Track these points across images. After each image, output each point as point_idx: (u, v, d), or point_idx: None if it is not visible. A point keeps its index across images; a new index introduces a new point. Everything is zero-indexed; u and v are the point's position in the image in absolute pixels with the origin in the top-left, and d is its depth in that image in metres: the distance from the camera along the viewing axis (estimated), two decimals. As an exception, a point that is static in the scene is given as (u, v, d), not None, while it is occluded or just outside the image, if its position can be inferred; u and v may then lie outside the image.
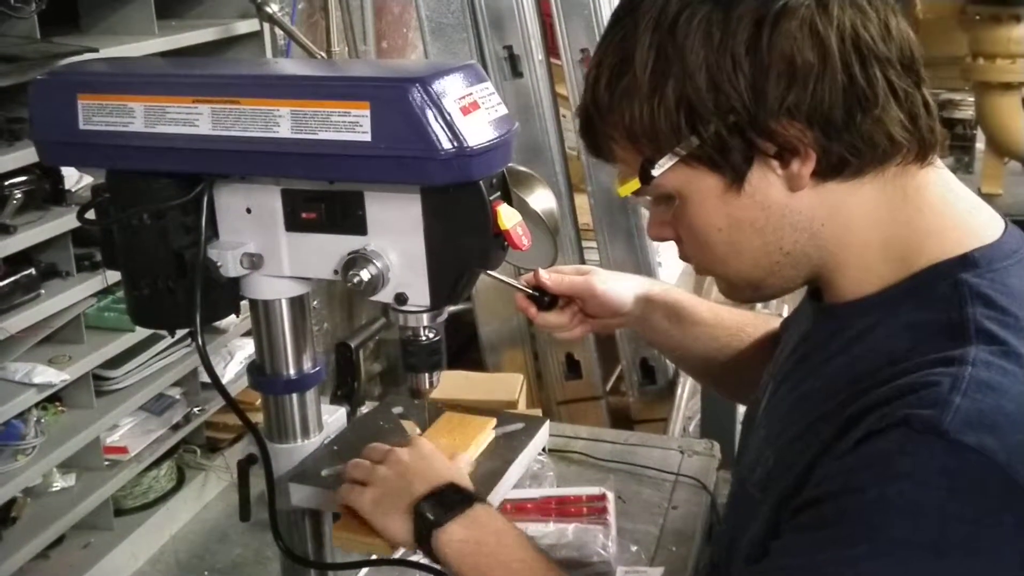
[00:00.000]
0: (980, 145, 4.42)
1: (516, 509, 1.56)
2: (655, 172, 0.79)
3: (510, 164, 0.91)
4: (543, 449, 1.60)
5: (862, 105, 0.75)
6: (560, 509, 1.58)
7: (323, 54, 2.01)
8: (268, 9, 1.77)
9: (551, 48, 2.64)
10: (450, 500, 0.91)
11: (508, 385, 2.17)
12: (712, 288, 2.87)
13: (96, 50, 1.32)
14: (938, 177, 0.82)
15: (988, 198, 3.93)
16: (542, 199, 1.39)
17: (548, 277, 1.16)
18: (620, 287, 1.19)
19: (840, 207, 0.79)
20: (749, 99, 0.74)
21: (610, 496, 1.60)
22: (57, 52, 1.25)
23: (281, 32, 1.90)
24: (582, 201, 2.69)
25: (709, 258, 0.85)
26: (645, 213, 2.73)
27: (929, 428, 0.68)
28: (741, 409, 2.41)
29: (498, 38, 2.45)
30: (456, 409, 1.13)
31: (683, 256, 0.90)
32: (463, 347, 2.91)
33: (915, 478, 0.68)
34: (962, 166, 5.15)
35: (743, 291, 0.87)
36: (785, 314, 1.12)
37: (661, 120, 0.77)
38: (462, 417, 1.09)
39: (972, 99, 4.19)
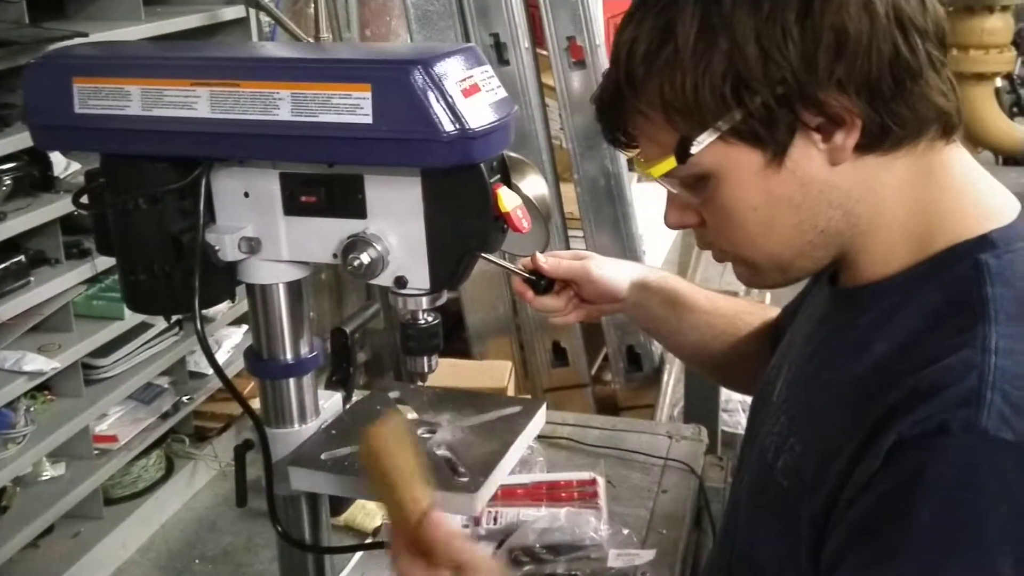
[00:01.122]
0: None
1: (507, 494, 1.57)
2: (694, 150, 0.77)
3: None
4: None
5: (909, 73, 0.75)
6: (551, 494, 1.58)
7: (310, 40, 2.00)
8: (255, -5, 1.76)
9: (537, 37, 2.64)
10: None
11: (497, 372, 2.18)
12: (697, 275, 2.87)
13: (86, 35, 1.31)
14: (960, 155, 0.82)
15: None
16: (534, 185, 1.39)
17: (545, 261, 1.15)
18: (616, 272, 1.19)
19: (874, 183, 0.79)
20: (800, 69, 0.73)
21: (600, 481, 1.61)
22: (47, 37, 1.24)
23: (267, 18, 1.89)
24: (568, 190, 2.69)
25: (740, 240, 0.83)
26: (630, 201, 2.75)
27: (968, 430, 0.67)
28: (724, 396, 2.43)
29: (484, 26, 2.45)
30: (449, 391, 1.13)
31: (705, 243, 0.88)
32: (449, 335, 2.91)
33: (967, 485, 0.67)
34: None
35: (770, 275, 0.85)
36: (768, 302, 1.13)
37: (706, 92, 0.75)
38: None
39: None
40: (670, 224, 0.88)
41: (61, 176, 1.36)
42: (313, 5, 2.12)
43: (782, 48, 0.73)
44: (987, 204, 0.81)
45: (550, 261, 1.16)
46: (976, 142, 3.88)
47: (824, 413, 0.82)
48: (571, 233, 2.72)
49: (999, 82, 4.01)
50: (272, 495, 1.02)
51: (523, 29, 2.48)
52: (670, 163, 0.79)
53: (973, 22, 3.67)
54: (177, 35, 1.59)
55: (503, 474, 0.98)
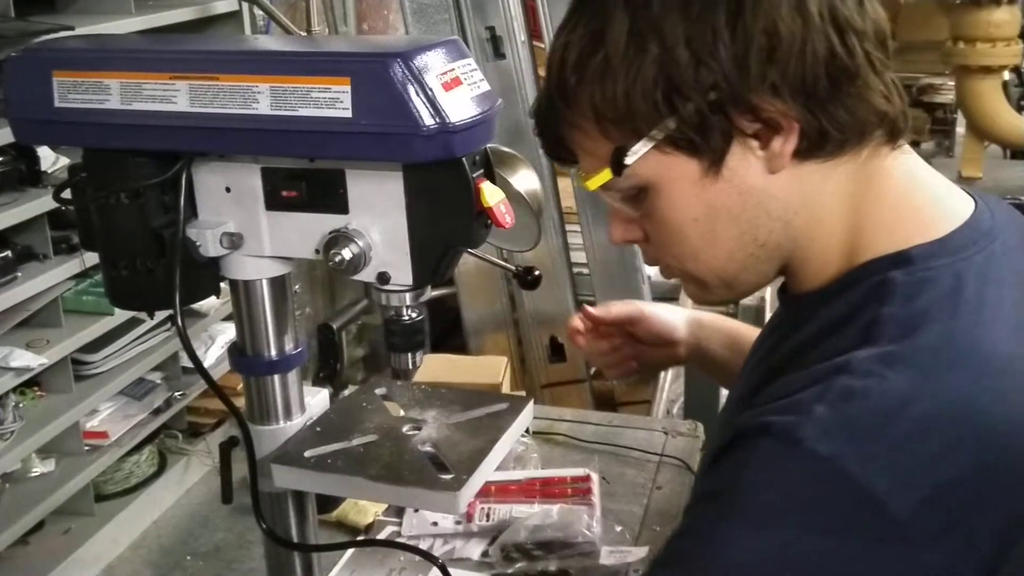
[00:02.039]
0: (960, 129, 4.44)
1: (500, 491, 1.56)
2: (628, 160, 0.76)
3: (493, 144, 0.90)
4: (527, 431, 1.60)
5: (845, 75, 0.73)
6: (545, 490, 1.58)
7: (303, 33, 1.99)
8: (247, -12, 1.75)
9: (534, 30, 2.63)
10: None
11: (492, 368, 2.16)
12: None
13: (72, 28, 1.30)
14: (904, 164, 0.80)
15: (968, 182, 3.96)
16: (526, 180, 1.38)
17: (596, 310, 1.17)
18: (669, 311, 1.19)
19: (813, 194, 0.78)
20: (732, 73, 0.72)
21: (594, 477, 1.60)
22: (33, 30, 1.23)
23: (260, 12, 1.88)
24: (565, 184, 2.68)
25: (682, 254, 0.82)
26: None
27: (785, 436, 0.66)
28: (724, 392, 2.42)
29: (480, 19, 2.44)
30: (441, 390, 1.12)
31: (650, 258, 0.86)
32: (447, 331, 2.91)
33: (771, 488, 0.66)
34: (943, 150, 5.18)
35: (716, 290, 0.84)
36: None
37: (638, 99, 0.74)
38: None
39: (952, 83, 4.20)
40: (615, 240, 0.86)
41: (48, 171, 1.36)
42: (305, 1, 2.11)
43: (713, 52, 0.72)
44: (923, 215, 0.78)
45: (600, 308, 1.17)
46: (983, 136, 3.87)
47: (721, 420, 0.82)
48: (569, 228, 2.71)
49: (1007, 75, 3.99)
50: (257, 492, 1.02)
51: (519, 23, 2.47)
52: (606, 175, 0.78)
53: (980, 15, 3.65)
54: (168, 29, 1.59)
55: (488, 472, 0.98)
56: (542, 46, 2.60)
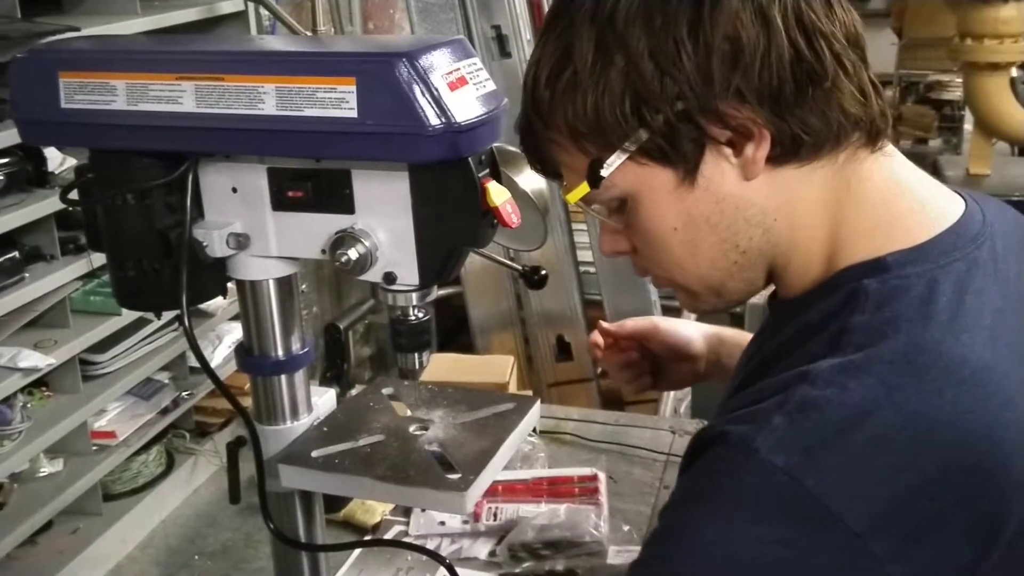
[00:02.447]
0: (968, 126, 4.42)
1: (507, 490, 1.56)
2: (604, 172, 0.76)
3: (499, 143, 0.90)
4: (534, 430, 1.60)
5: (812, 79, 0.73)
6: (552, 490, 1.58)
7: (308, 34, 1.99)
8: (253, -12, 1.75)
9: (539, 26, 2.63)
10: None
11: (499, 367, 2.16)
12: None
13: (78, 29, 1.30)
14: (887, 167, 0.79)
15: (976, 179, 3.91)
16: (532, 179, 1.38)
17: (611, 325, 1.17)
18: (685, 326, 1.19)
19: (792, 199, 0.77)
20: (696, 83, 0.72)
21: (602, 476, 1.60)
22: (39, 31, 1.24)
23: (266, 11, 1.89)
24: (572, 182, 2.68)
25: (667, 263, 0.82)
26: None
27: (741, 446, 0.66)
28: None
29: (486, 18, 2.44)
30: (447, 388, 1.12)
31: (640, 269, 0.87)
32: (453, 330, 2.91)
33: (724, 497, 0.66)
34: (950, 147, 5.16)
35: (706, 299, 0.85)
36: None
37: (607, 113, 0.74)
38: None
39: (960, 80, 4.18)
40: (605, 251, 0.87)
41: (56, 171, 1.36)
42: (311, 1, 2.11)
43: (676, 62, 0.72)
44: (905, 221, 0.77)
45: (615, 324, 1.18)
46: (991, 132, 3.85)
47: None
48: (575, 226, 2.70)
49: (1015, 72, 3.97)
50: (264, 493, 1.02)
51: (525, 21, 2.47)
52: (584, 188, 0.78)
53: (987, 12, 3.63)
54: (174, 29, 1.59)
55: (495, 472, 0.98)
56: (548, 44, 2.60)
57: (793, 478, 0.64)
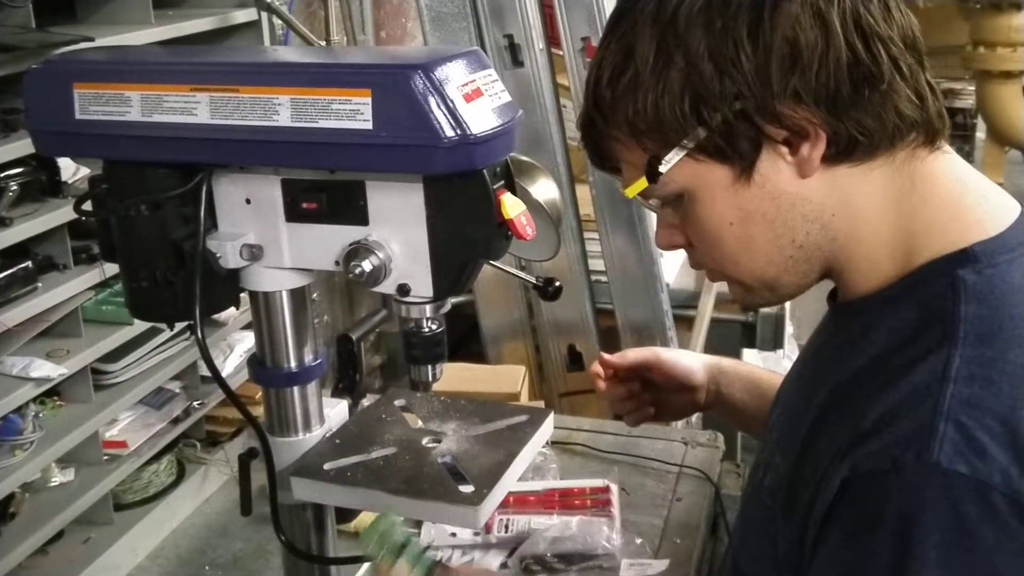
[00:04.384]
0: (980, 134, 4.41)
1: (519, 502, 1.55)
2: (662, 168, 0.78)
3: (513, 154, 0.89)
4: (546, 442, 1.59)
5: (868, 81, 0.74)
6: (564, 502, 1.57)
7: (322, 43, 1.99)
8: (266, -2, 1.75)
9: (552, 38, 2.62)
10: None
11: (510, 377, 2.16)
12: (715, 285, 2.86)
13: (92, 39, 1.30)
14: (947, 164, 0.80)
15: None
16: (545, 189, 1.38)
17: (613, 356, 1.19)
18: (686, 356, 1.21)
19: (850, 196, 0.78)
20: (754, 83, 0.73)
21: (614, 488, 1.59)
22: (53, 41, 1.24)
23: (279, 21, 1.89)
24: (583, 191, 2.67)
25: (722, 258, 0.83)
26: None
27: (920, 463, 0.66)
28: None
29: (499, 27, 2.43)
30: (460, 400, 1.12)
31: (695, 262, 0.88)
32: (464, 339, 2.90)
33: (922, 523, 0.66)
34: (962, 155, 5.12)
35: (759, 292, 0.85)
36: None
37: (666, 112, 0.76)
38: None
39: (972, 88, 4.17)
40: (660, 245, 0.88)
41: (69, 181, 1.36)
42: (324, 7, 2.11)
43: (736, 63, 0.73)
44: (975, 215, 0.78)
45: (618, 355, 1.20)
46: (1003, 140, 3.85)
47: (803, 433, 0.80)
48: (587, 235, 2.69)
49: (1026, 80, 3.96)
50: (276, 504, 1.01)
51: (538, 30, 2.46)
52: (642, 183, 0.80)
53: (1000, 20, 3.64)
54: (188, 39, 1.58)
55: (508, 485, 0.97)
56: (560, 53, 2.59)
57: (981, 481, 0.65)
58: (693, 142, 0.76)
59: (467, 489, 0.93)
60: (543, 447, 1.62)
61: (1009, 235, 0.77)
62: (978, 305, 0.72)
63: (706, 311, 2.82)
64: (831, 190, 0.78)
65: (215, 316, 1.39)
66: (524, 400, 2.14)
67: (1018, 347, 0.70)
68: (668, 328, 2.65)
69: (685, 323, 2.81)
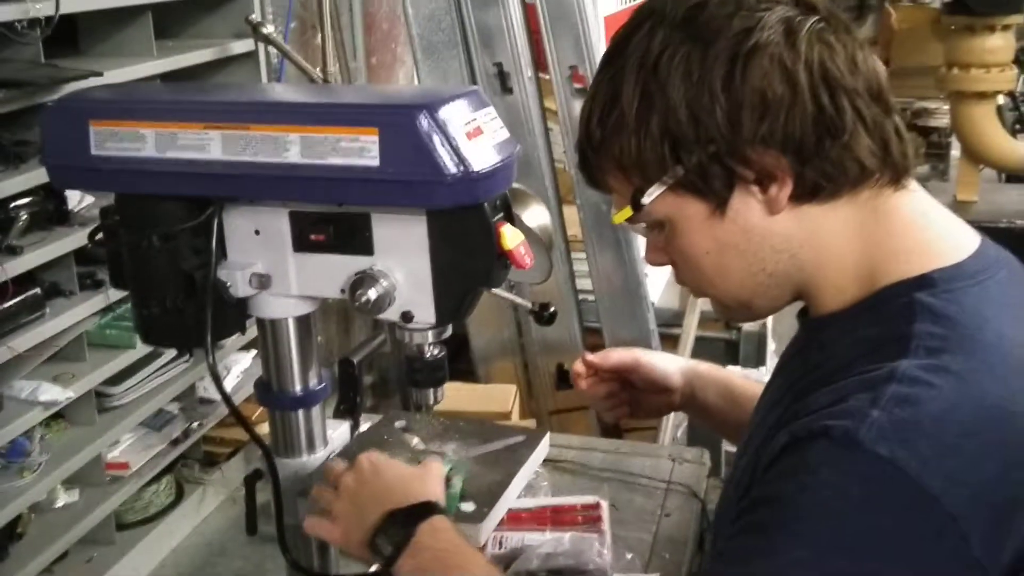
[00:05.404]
0: (956, 153, 4.47)
1: (512, 519, 1.58)
2: (645, 200, 0.84)
3: (508, 183, 0.93)
4: (540, 460, 1.62)
5: (831, 132, 0.80)
6: (555, 518, 1.59)
7: (317, 72, 2.03)
8: (263, 30, 1.80)
9: (540, 62, 2.68)
10: (396, 532, 0.94)
11: (502, 396, 2.20)
12: (700, 300, 2.91)
13: (100, 73, 1.34)
14: (911, 200, 0.86)
15: (963, 206, 3.90)
16: (536, 215, 1.42)
17: (595, 356, 1.23)
18: (664, 360, 1.26)
19: (817, 230, 0.84)
20: (726, 130, 0.79)
21: (604, 504, 1.62)
22: (63, 77, 1.27)
23: (275, 51, 1.93)
24: (571, 213, 2.72)
25: (701, 280, 0.90)
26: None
27: (845, 438, 0.72)
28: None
29: (488, 55, 2.48)
30: (459, 421, 1.15)
31: (679, 279, 0.94)
32: (454, 357, 2.94)
33: (833, 487, 0.71)
34: (937, 174, 5.21)
35: (736, 311, 0.92)
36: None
37: (648, 151, 0.82)
38: None
39: (947, 107, 4.24)
40: (649, 262, 0.94)
41: (76, 210, 1.40)
42: (320, 37, 2.15)
43: (710, 111, 0.79)
44: (936, 246, 0.84)
45: (599, 354, 1.24)
46: (978, 160, 3.89)
47: (763, 433, 0.86)
48: (574, 255, 2.74)
49: (1001, 100, 4.02)
50: (282, 524, 1.04)
51: (526, 58, 2.51)
52: (627, 212, 0.86)
53: (974, 42, 3.69)
54: (188, 70, 1.63)
55: (507, 504, 1.01)
56: (547, 77, 2.65)
57: (896, 467, 0.70)
58: (672, 179, 0.83)
59: (468, 507, 0.96)
60: (536, 465, 1.66)
61: (967, 265, 0.83)
62: (932, 324, 0.78)
63: (691, 329, 2.87)
64: (799, 225, 0.84)
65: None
66: (515, 418, 2.18)
67: (964, 358, 0.76)
68: (654, 347, 2.69)
69: (671, 341, 2.85)
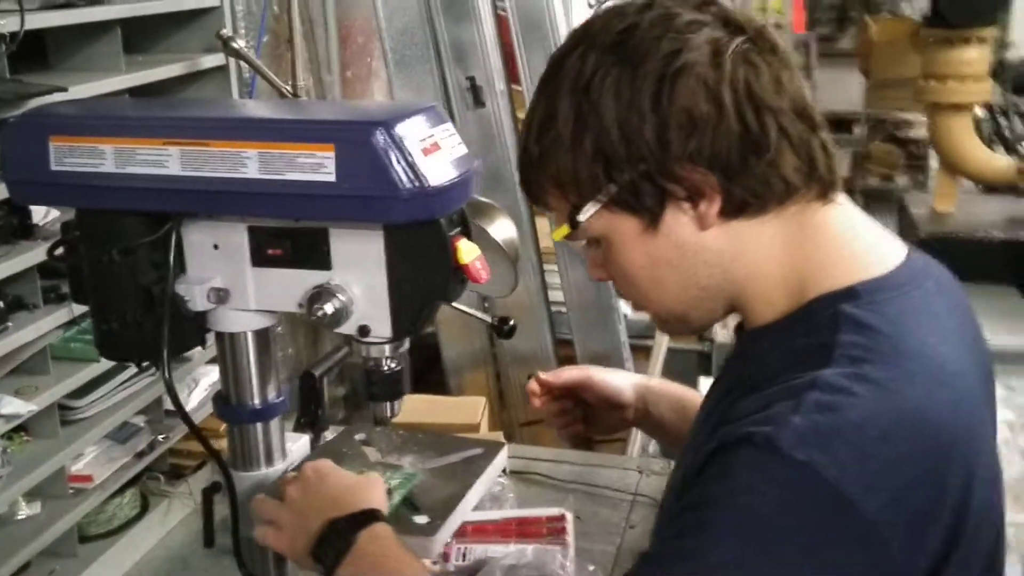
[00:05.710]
0: (934, 164, 4.52)
1: (477, 531, 1.59)
2: (581, 217, 0.86)
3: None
4: (504, 471, 1.64)
5: (756, 150, 0.82)
6: (520, 530, 1.61)
7: (288, 87, 2.04)
8: (234, 44, 1.80)
9: (512, 75, 2.70)
10: (338, 540, 0.95)
11: (471, 408, 2.19)
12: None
13: (65, 89, 1.35)
14: (839, 214, 0.88)
15: (941, 216, 3.92)
16: (503, 229, 1.44)
17: (547, 375, 1.25)
18: (616, 377, 1.28)
19: (746, 244, 0.86)
20: (656, 148, 0.82)
21: (569, 516, 1.63)
22: (28, 92, 1.28)
23: (247, 66, 1.94)
24: (543, 224, 2.73)
25: (638, 295, 0.92)
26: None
27: (765, 444, 0.74)
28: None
29: (461, 69, 2.50)
30: (418, 433, 1.16)
31: (619, 294, 0.97)
32: (426, 369, 2.94)
33: (753, 491, 0.74)
34: (916, 185, 5.27)
35: (673, 324, 0.95)
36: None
37: (582, 170, 0.85)
38: None
39: (925, 119, 4.28)
40: (591, 277, 0.96)
41: (40, 223, 1.40)
42: (290, 53, 2.16)
43: (639, 130, 0.82)
44: (863, 260, 0.87)
45: (552, 373, 1.26)
46: (955, 172, 3.93)
47: (697, 441, 0.89)
48: (547, 267, 2.76)
49: (977, 111, 4.08)
50: (237, 537, 1.05)
51: (499, 72, 2.53)
52: (565, 229, 0.89)
53: (951, 54, 3.74)
54: (158, 85, 1.63)
55: (462, 516, 1.02)
56: (520, 89, 2.67)
57: (813, 471, 0.72)
58: (606, 196, 0.85)
59: (422, 520, 0.97)
60: (501, 476, 1.67)
61: (892, 276, 0.86)
62: (855, 334, 0.80)
63: (663, 341, 2.89)
64: (729, 240, 0.86)
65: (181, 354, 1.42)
66: (484, 431, 2.18)
67: (885, 367, 0.78)
68: (626, 359, 2.71)
69: (643, 352, 2.87)
